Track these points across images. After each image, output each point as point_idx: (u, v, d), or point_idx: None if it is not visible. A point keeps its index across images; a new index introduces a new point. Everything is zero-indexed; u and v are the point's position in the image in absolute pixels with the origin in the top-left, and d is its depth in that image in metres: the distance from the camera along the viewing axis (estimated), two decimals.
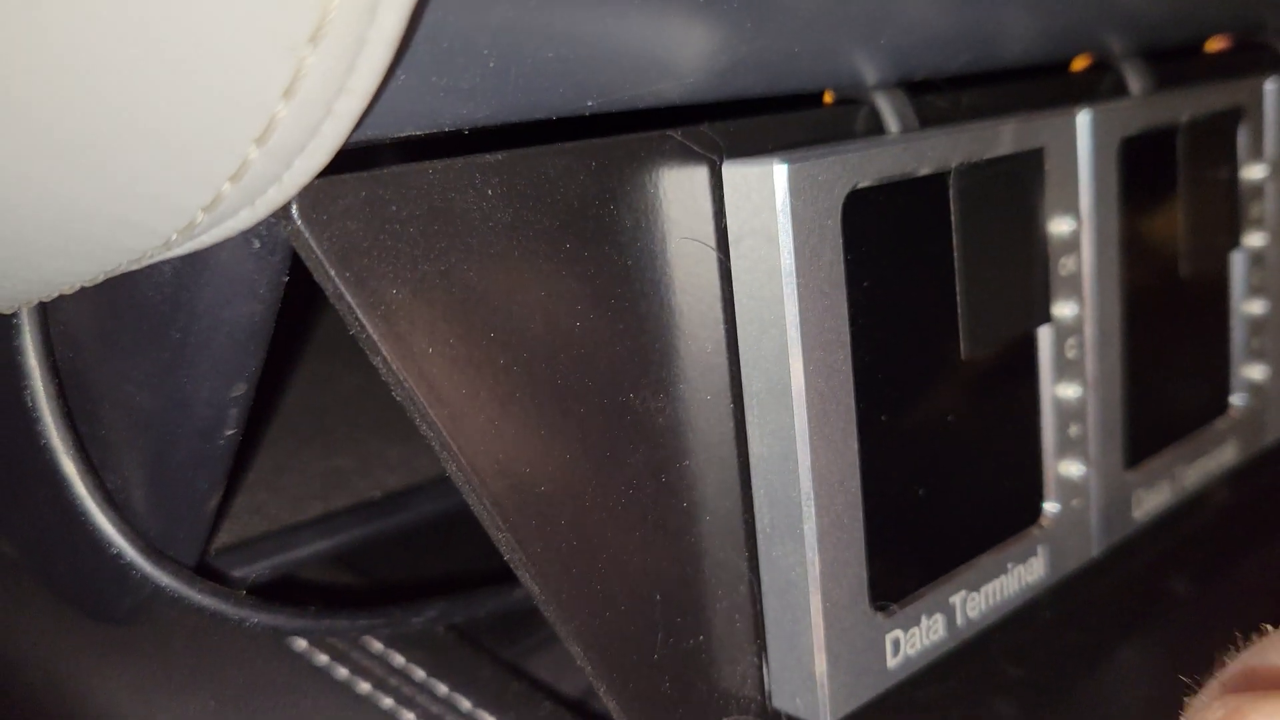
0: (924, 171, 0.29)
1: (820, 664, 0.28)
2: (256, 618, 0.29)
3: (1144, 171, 0.36)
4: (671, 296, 0.27)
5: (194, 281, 0.23)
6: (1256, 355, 0.42)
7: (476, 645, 0.36)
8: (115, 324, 0.26)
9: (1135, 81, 0.38)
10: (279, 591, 0.34)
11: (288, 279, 0.24)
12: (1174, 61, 0.40)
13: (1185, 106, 0.37)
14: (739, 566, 0.29)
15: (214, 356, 0.25)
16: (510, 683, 0.35)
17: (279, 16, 0.16)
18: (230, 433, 0.26)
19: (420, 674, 0.34)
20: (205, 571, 0.30)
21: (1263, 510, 0.43)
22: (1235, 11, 0.42)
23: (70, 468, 0.27)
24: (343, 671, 0.34)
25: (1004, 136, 0.31)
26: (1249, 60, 0.44)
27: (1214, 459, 0.40)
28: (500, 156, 0.24)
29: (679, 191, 0.27)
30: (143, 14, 0.15)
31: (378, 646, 0.35)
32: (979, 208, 0.31)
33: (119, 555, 0.28)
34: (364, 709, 0.33)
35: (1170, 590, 0.40)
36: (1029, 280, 0.32)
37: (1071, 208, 0.33)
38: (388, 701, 0.33)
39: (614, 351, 0.26)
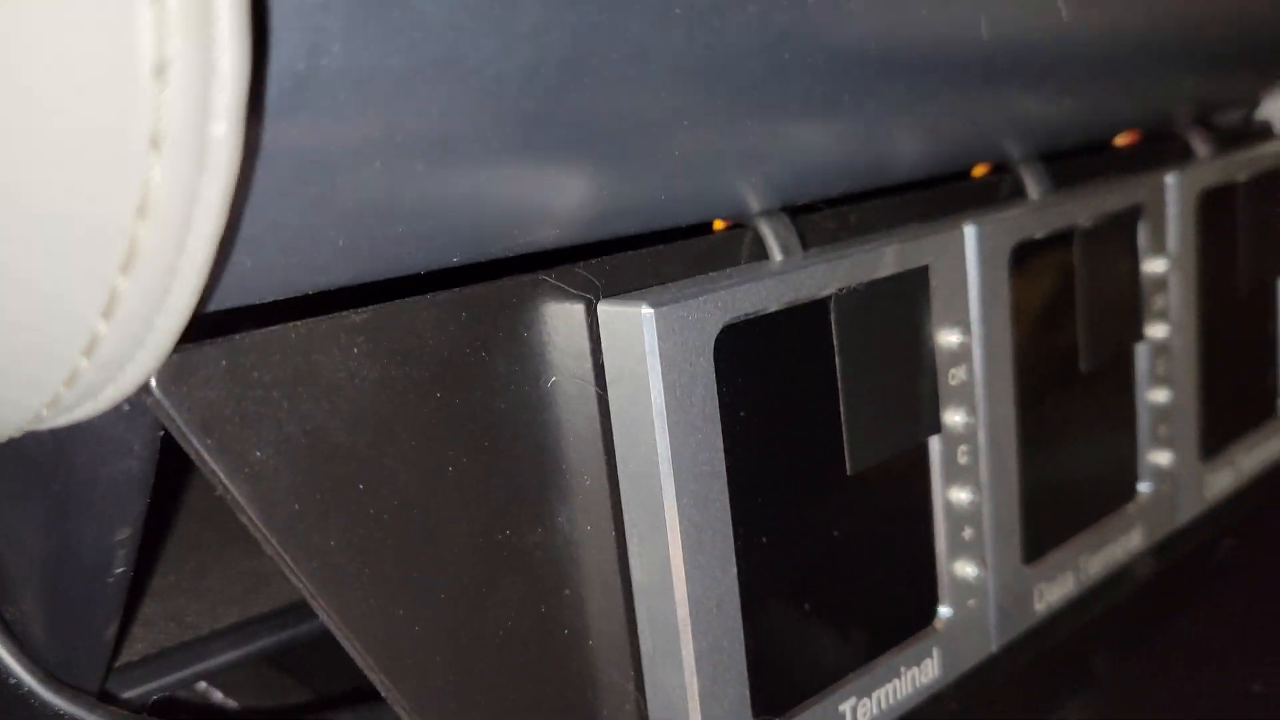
0: (802, 301, 0.30)
1: None
2: None
3: (1038, 275, 0.37)
4: (550, 434, 0.28)
5: (70, 441, 0.24)
6: (1163, 442, 0.42)
7: None
8: (3, 473, 0.26)
9: (1033, 185, 0.39)
10: (195, 704, 0.35)
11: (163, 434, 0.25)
12: (1077, 160, 0.41)
13: (1080, 209, 0.38)
14: (625, 687, 0.29)
15: (96, 507, 0.25)
16: None
17: (91, 251, 0.17)
18: (120, 570, 0.27)
19: None
20: (109, 694, 0.31)
21: (1174, 587, 0.44)
22: (1143, 108, 0.43)
23: None
24: None
25: (886, 258, 0.32)
26: (1157, 152, 0.45)
27: (1121, 546, 0.41)
28: (365, 315, 0.25)
29: (554, 332, 0.28)
30: None
31: None
32: (862, 330, 0.31)
33: (18, 684, 0.28)
34: None
35: (1082, 672, 0.40)
36: (916, 394, 0.33)
37: (960, 320, 0.34)
38: None
39: (489, 491, 0.27)
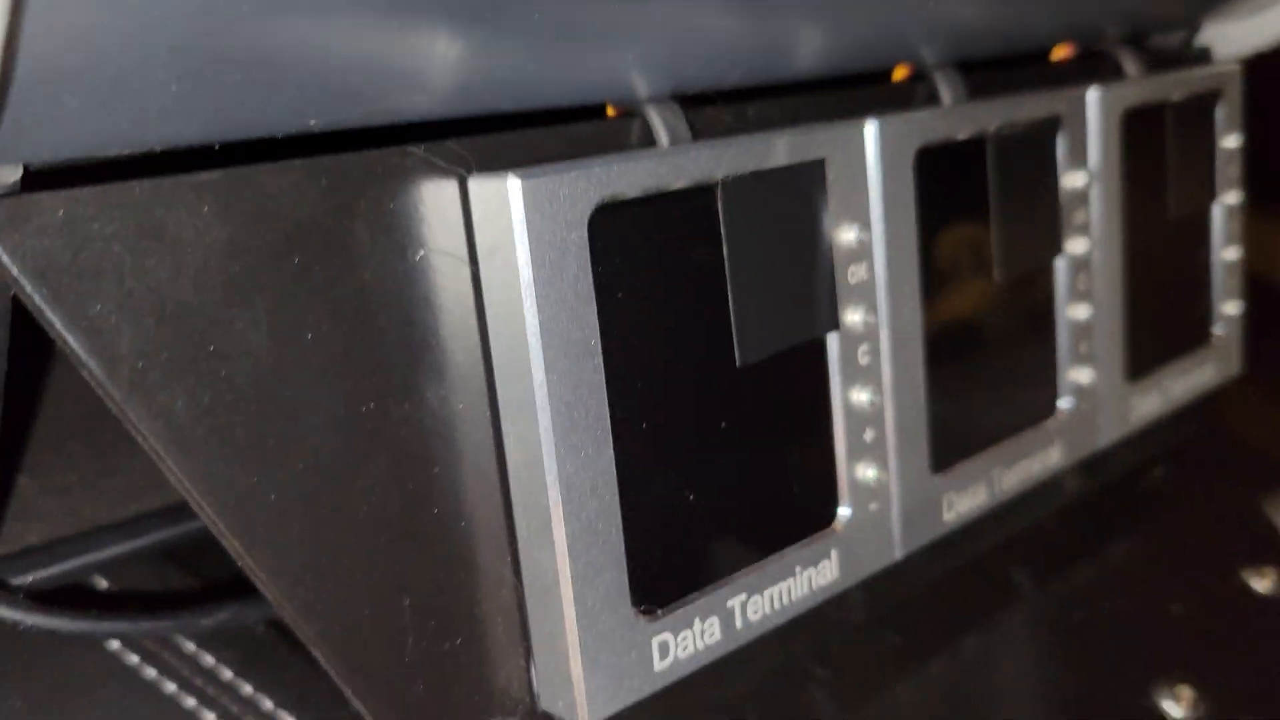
0: (685, 184, 0.30)
1: (576, 666, 0.29)
2: (31, 620, 0.30)
3: (947, 181, 0.36)
4: (418, 309, 0.27)
5: None
6: (1084, 359, 0.42)
7: (293, 644, 0.37)
8: None
9: (949, 93, 0.38)
10: (86, 592, 0.35)
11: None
12: (1001, 72, 0.41)
13: (993, 116, 0.38)
14: (501, 571, 0.29)
15: None
16: (320, 681, 0.36)
17: None
18: None
19: (228, 674, 0.35)
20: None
21: (1098, 509, 0.44)
22: (1071, 21, 0.43)
23: None
24: (151, 671, 0.35)
25: (778, 149, 0.32)
26: (1088, 69, 0.45)
27: (1038, 461, 0.41)
28: (215, 176, 0.24)
29: (424, 207, 0.27)
30: None
31: (190, 647, 0.35)
32: (751, 219, 0.31)
33: None
34: (167, 708, 0.34)
35: (999, 588, 0.40)
36: (811, 288, 0.33)
37: (860, 217, 0.34)
38: (190, 701, 0.34)
39: (352, 363, 0.26)
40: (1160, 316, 0.46)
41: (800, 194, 0.32)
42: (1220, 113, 0.47)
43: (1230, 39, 0.49)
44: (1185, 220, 0.47)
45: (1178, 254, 0.47)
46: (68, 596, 0.34)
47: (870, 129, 0.34)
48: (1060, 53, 0.45)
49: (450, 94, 0.27)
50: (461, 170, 0.28)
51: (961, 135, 0.37)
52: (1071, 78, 0.43)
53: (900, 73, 0.40)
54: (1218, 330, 0.49)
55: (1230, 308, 0.49)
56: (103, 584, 0.36)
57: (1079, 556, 0.43)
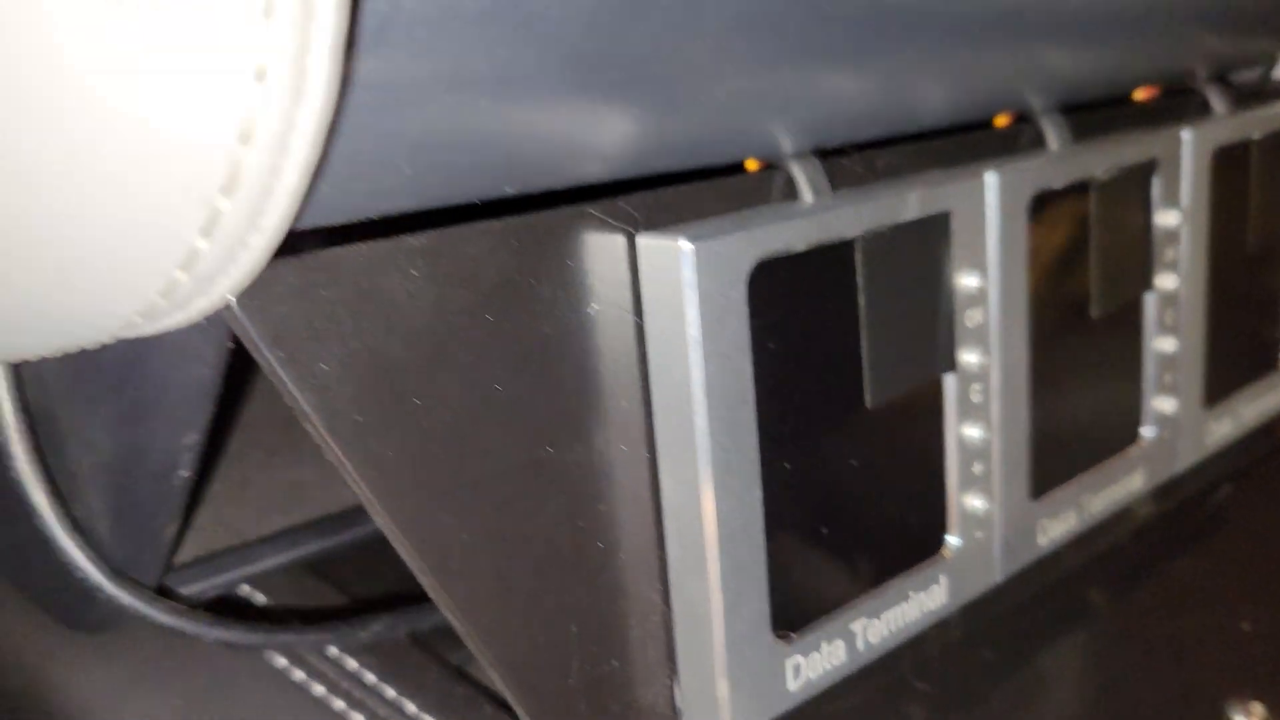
0: (830, 241, 0.32)
1: (723, 688, 0.31)
2: (212, 634, 0.32)
3: (1054, 224, 0.38)
4: (590, 358, 0.29)
5: (145, 348, 0.26)
6: (1168, 389, 0.44)
7: (428, 651, 0.39)
8: (78, 377, 0.28)
9: (1054, 135, 0.40)
10: (240, 603, 0.37)
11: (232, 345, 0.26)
12: (1096, 112, 0.43)
13: (1098, 161, 0.39)
14: (652, 599, 0.31)
15: (166, 412, 0.27)
16: (455, 687, 0.38)
17: (196, 173, 0.18)
18: (184, 474, 0.29)
19: (371, 678, 0.37)
20: (167, 589, 0.33)
21: (1172, 529, 0.46)
22: (1162, 64, 0.44)
23: (40, 499, 0.30)
24: (299, 674, 0.37)
25: (910, 203, 0.33)
26: (1176, 106, 0.46)
27: (1122, 486, 0.43)
28: (423, 239, 0.26)
29: (597, 262, 0.29)
30: (92, 145, 0.18)
31: (334, 652, 0.38)
32: (885, 270, 0.33)
33: (85, 578, 0.31)
34: (318, 710, 0.36)
35: (1080, 606, 0.42)
36: (934, 333, 0.35)
37: (978, 264, 0.36)
38: (339, 704, 0.36)
39: (533, 410, 0.29)
40: (1235, 344, 0.48)
41: (927, 244, 0.34)
42: None
43: None
44: (1260, 252, 0.49)
45: (1253, 283, 0.49)
46: (226, 608, 0.36)
47: (991, 179, 0.36)
48: (1144, 92, 0.47)
49: (623, 160, 0.29)
50: (629, 228, 0.30)
51: (1070, 180, 0.38)
52: (1161, 116, 0.45)
53: (1001, 120, 0.41)
54: None
55: None
56: (259, 598, 0.38)
57: (1154, 575, 0.45)
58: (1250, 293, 0.49)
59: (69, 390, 0.29)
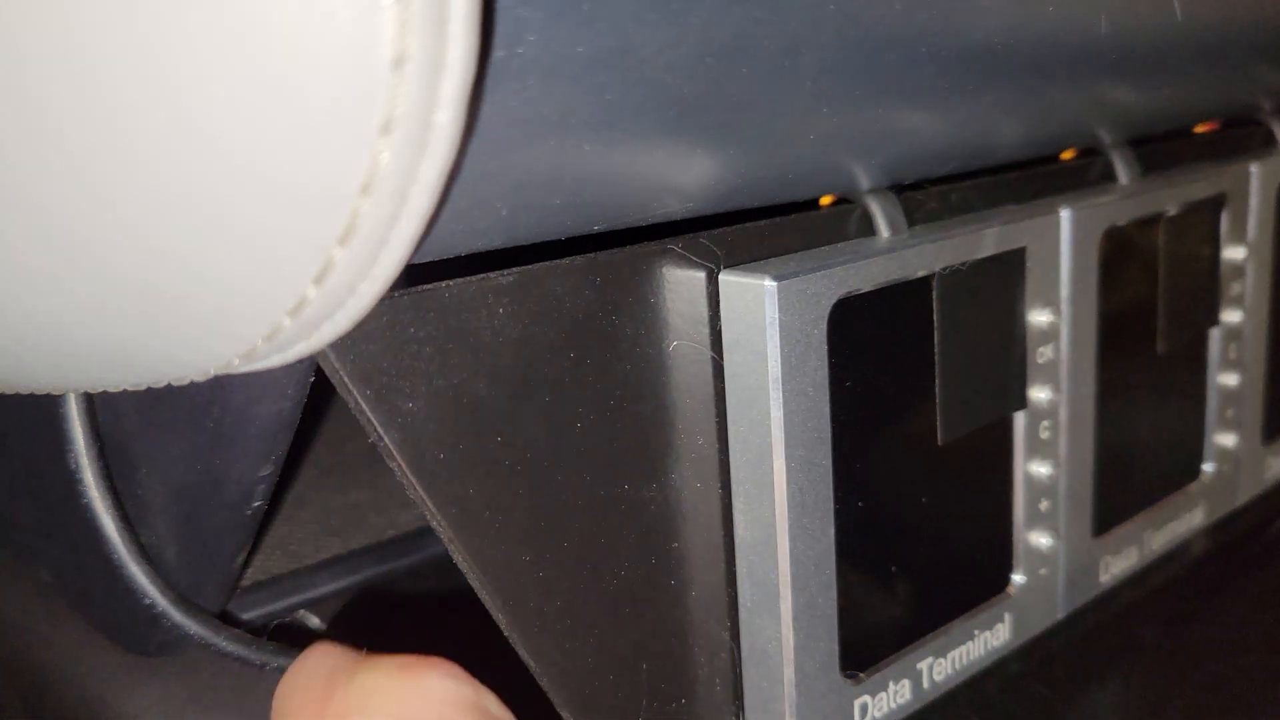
0: (907, 277, 0.31)
1: None
2: (276, 662, 0.31)
3: (1125, 259, 0.38)
4: (668, 395, 0.29)
5: (229, 382, 0.26)
6: (1230, 424, 0.44)
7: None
8: (155, 407, 0.28)
9: (1123, 169, 0.40)
10: (294, 627, 0.37)
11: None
12: (1162, 146, 0.42)
13: (1169, 196, 0.39)
14: (721, 637, 0.31)
15: (244, 444, 0.27)
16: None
17: (315, 223, 0.18)
18: (257, 504, 0.29)
19: None
20: (228, 615, 0.32)
21: (1231, 564, 0.46)
22: (1229, 98, 0.44)
23: (109, 524, 0.30)
24: None
25: (987, 240, 0.33)
26: (1240, 138, 0.46)
27: (1183, 522, 0.43)
28: (511, 278, 0.26)
29: (677, 298, 0.29)
30: (211, 193, 0.18)
31: None
32: (960, 307, 0.33)
33: (151, 604, 0.30)
34: None
35: (1135, 642, 0.42)
36: (1006, 370, 0.34)
37: (1051, 300, 0.35)
38: None
39: (611, 447, 0.28)
40: None
41: (1002, 281, 0.34)
42: None
43: None
44: None
45: None
46: (282, 633, 0.36)
47: (1065, 214, 0.35)
48: (1205, 125, 0.47)
49: (707, 198, 0.29)
50: (711, 264, 0.29)
51: (1142, 216, 0.38)
52: (1225, 149, 0.45)
53: (1068, 153, 0.41)
54: None
55: None
56: (313, 621, 0.38)
57: (1213, 611, 0.44)
58: None
59: (144, 419, 0.29)
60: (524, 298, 0.26)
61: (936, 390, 0.33)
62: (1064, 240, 0.35)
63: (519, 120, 0.21)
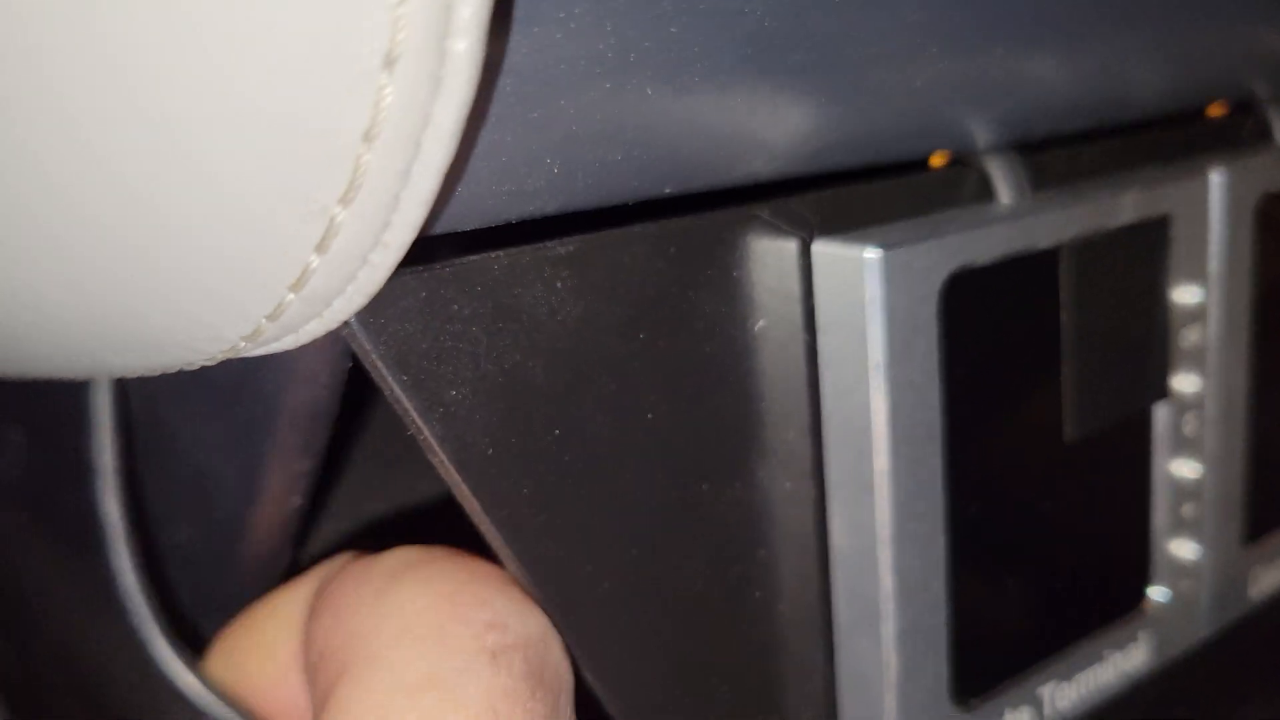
0: (1032, 249, 0.27)
1: None
2: None
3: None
4: (754, 382, 0.26)
5: (258, 368, 0.23)
6: None
7: None
8: (187, 395, 0.26)
9: None
10: None
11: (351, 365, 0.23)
12: None
13: None
14: (814, 658, 0.27)
15: (279, 435, 0.24)
16: None
17: (310, 178, 0.15)
18: (297, 502, 0.26)
19: None
20: None
21: None
22: None
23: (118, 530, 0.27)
24: None
25: (1125, 206, 0.29)
26: None
27: None
28: (571, 246, 0.23)
29: (765, 273, 0.25)
30: (196, 144, 0.15)
31: None
32: (1093, 283, 0.28)
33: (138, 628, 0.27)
34: None
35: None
36: (1145, 356, 0.30)
37: (1199, 275, 0.31)
38: None
39: (688, 441, 0.25)
40: None
41: (1142, 253, 0.30)
42: None
43: None
44: None
45: None
46: None
47: (1216, 178, 0.31)
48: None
49: (798, 156, 0.25)
50: (803, 233, 0.26)
51: None
52: None
53: (1217, 109, 0.36)
54: None
55: None
56: None
57: None
58: None
59: (177, 409, 0.26)
60: (586, 269, 0.23)
61: (1064, 379, 0.29)
62: (1214, 207, 0.31)
63: (565, 57, 0.18)
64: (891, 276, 0.25)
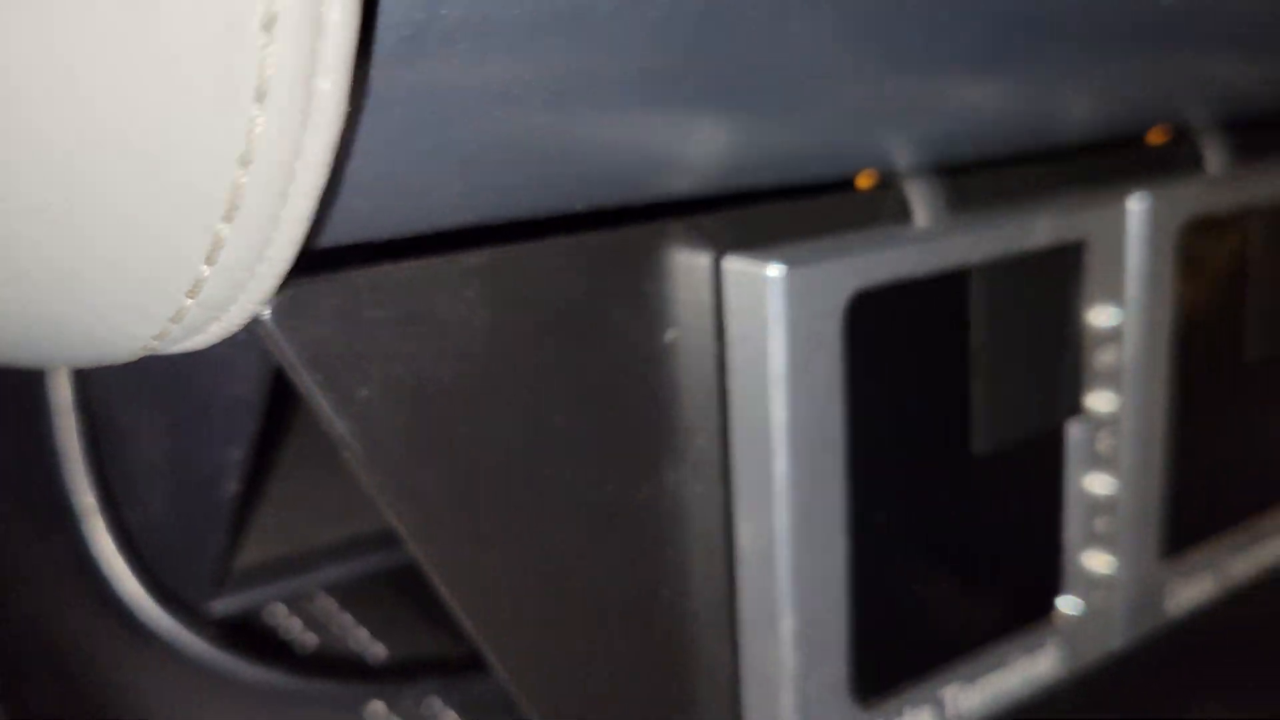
0: (941, 270, 0.28)
1: None
2: (249, 672, 0.30)
3: (1207, 256, 0.34)
4: (665, 391, 0.27)
5: (188, 363, 0.25)
6: None
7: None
8: (130, 382, 0.27)
9: (1214, 157, 0.36)
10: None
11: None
12: (1268, 131, 0.38)
13: (1261, 187, 0.35)
14: (720, 656, 0.29)
15: (210, 427, 0.26)
16: None
17: (196, 197, 0.16)
18: (232, 488, 0.28)
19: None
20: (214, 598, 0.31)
21: None
22: None
23: (87, 503, 0.29)
24: None
25: (1039, 230, 0.30)
26: None
27: (1270, 548, 0.39)
28: (481, 257, 0.24)
29: (677, 286, 0.27)
30: (91, 166, 0.16)
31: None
32: (1005, 305, 0.30)
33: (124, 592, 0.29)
34: None
35: (1206, 680, 0.38)
36: (1057, 375, 0.31)
37: (1116, 298, 0.32)
38: None
39: (598, 446, 0.26)
40: None
41: (1055, 277, 0.31)
42: None
43: None
44: None
45: None
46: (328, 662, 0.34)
47: (1134, 205, 0.32)
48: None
49: (711, 175, 0.26)
50: (715, 249, 0.27)
51: (1228, 207, 0.34)
52: None
53: (1157, 135, 0.37)
54: None
55: None
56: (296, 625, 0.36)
57: None
58: None
59: (125, 394, 0.28)
60: (497, 280, 0.24)
61: (973, 396, 0.30)
62: (1132, 233, 0.32)
63: (454, 89, 0.19)
64: (794, 293, 0.26)
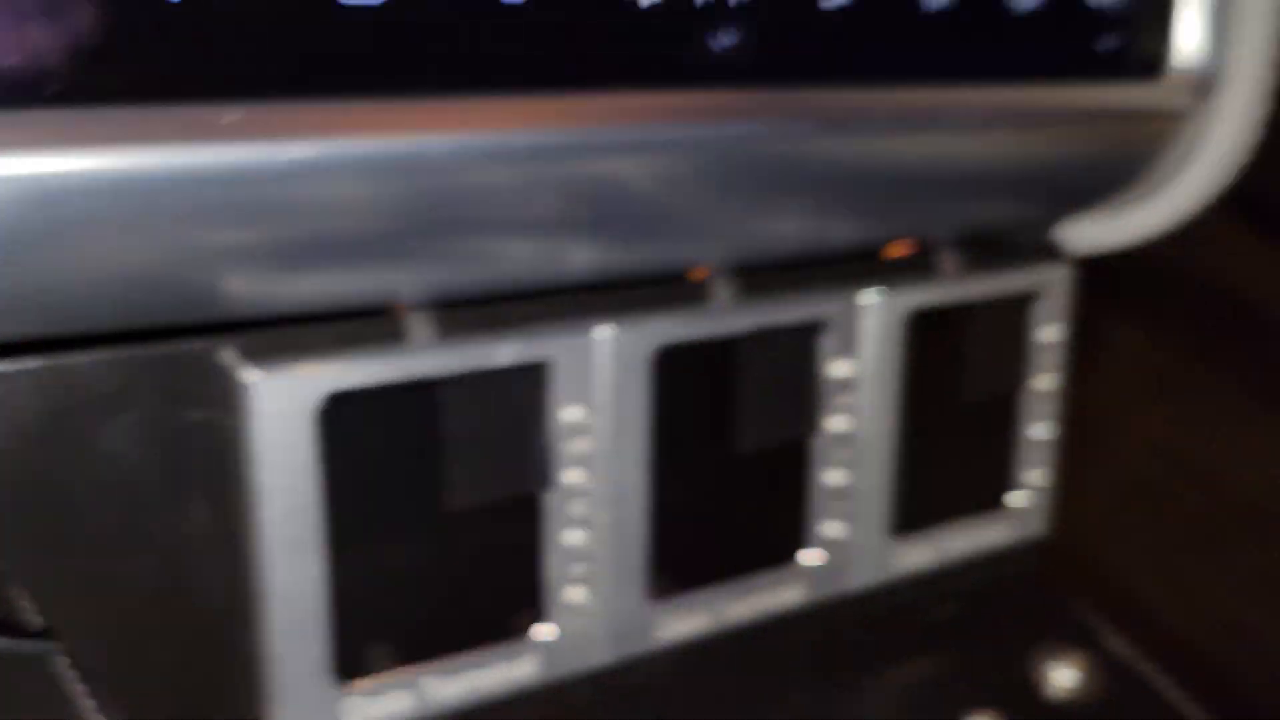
0: (410, 379, 0.39)
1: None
2: None
3: (686, 379, 0.45)
4: (202, 480, 0.38)
5: None
6: (836, 515, 0.50)
7: None
8: None
9: (722, 289, 0.46)
10: None
11: None
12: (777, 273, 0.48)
13: (745, 320, 0.45)
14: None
15: None
16: None
17: None
18: None
19: None
20: None
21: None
22: (900, 226, 0.49)
23: None
24: None
25: (504, 351, 0.41)
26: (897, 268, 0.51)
27: (770, 598, 0.49)
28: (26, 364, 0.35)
29: (202, 393, 0.37)
30: None
31: None
32: (471, 415, 0.40)
33: None
34: None
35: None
36: (526, 459, 0.42)
37: (586, 402, 0.42)
38: None
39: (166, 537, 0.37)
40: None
41: (518, 392, 0.41)
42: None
43: None
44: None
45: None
46: None
47: (601, 334, 0.42)
48: (895, 250, 0.51)
49: (229, 302, 0.37)
50: (234, 362, 0.37)
51: (697, 337, 0.44)
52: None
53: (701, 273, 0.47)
54: None
55: None
56: None
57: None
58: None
59: None
60: (17, 393, 0.34)
61: (446, 474, 0.41)
62: (602, 355, 0.42)
63: None
64: (268, 395, 0.37)
